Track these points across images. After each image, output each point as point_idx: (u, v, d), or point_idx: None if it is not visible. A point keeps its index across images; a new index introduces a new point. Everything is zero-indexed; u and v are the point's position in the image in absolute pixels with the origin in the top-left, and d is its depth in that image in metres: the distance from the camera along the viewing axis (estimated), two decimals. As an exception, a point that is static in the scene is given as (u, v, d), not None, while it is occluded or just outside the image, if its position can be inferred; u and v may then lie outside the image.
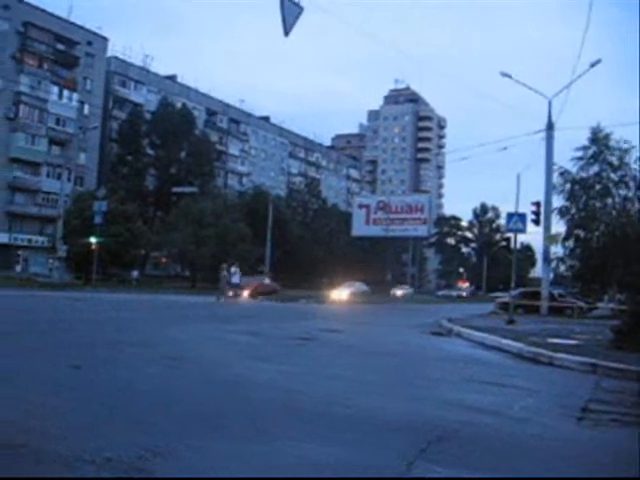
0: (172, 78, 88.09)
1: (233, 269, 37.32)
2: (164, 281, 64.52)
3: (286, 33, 14.60)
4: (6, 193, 67.40)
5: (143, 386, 6.95)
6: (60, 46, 72.33)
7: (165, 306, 26.99)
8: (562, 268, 38.61)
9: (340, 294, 50.52)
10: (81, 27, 74.05)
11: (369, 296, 57.21)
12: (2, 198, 66.93)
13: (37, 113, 69.67)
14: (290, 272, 69.33)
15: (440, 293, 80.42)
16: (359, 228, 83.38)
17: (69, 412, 5.47)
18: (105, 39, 77.60)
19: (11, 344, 10.20)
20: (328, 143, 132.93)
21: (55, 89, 71.30)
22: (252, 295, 41.45)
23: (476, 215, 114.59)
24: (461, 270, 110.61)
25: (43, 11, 70.16)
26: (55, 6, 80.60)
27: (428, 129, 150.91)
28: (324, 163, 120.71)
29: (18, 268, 47.67)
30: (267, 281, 49.37)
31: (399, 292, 72.50)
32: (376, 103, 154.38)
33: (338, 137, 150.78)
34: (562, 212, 35.91)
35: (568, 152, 36.43)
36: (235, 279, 37.27)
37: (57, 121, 71.14)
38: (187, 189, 62.41)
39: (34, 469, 3.84)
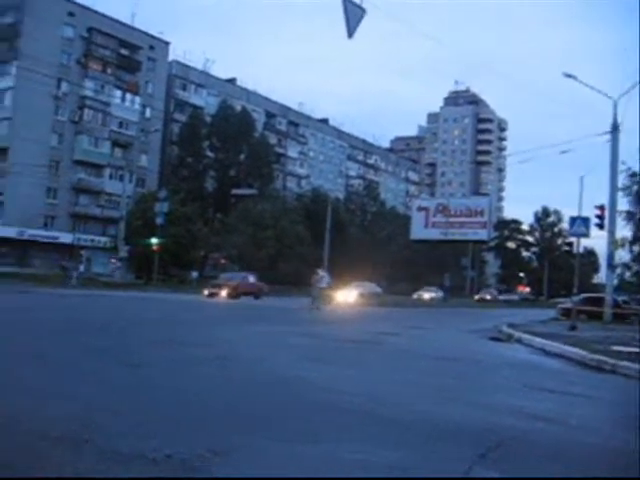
0: (232, 81, 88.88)
1: (321, 273, 35.80)
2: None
3: (349, 35, 14.46)
4: (70, 194, 69.00)
5: (200, 386, 6.98)
6: (123, 51, 73.70)
7: (234, 308, 27.16)
8: (627, 274, 37.37)
9: (347, 295, 44.35)
10: (143, 32, 75.30)
11: (381, 297, 51.78)
12: (67, 199, 68.54)
13: (101, 116, 71.09)
14: (347, 275, 68.99)
15: (477, 297, 74.51)
16: (418, 231, 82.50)
17: (129, 410, 5.52)
18: (167, 43, 78.74)
19: (74, 342, 10.29)
20: (387, 145, 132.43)
21: (118, 93, 72.70)
22: (231, 295, 36.60)
23: (537, 218, 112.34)
24: (521, 275, 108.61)
25: (107, 17, 71.64)
26: (119, 12, 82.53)
27: (488, 131, 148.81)
28: (383, 166, 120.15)
29: (81, 268, 48.47)
30: (251, 279, 41.91)
31: (426, 295, 66.09)
32: (435, 105, 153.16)
33: (397, 139, 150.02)
34: (629, 216, 34.76)
35: (635, 153, 35.27)
36: (322, 283, 35.43)
37: (120, 124, 72.49)
38: (246, 191, 62.76)
39: (97, 466, 3.85)
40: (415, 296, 64.66)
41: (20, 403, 5.41)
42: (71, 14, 68.82)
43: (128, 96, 73.52)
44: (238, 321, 19.19)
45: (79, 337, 10.98)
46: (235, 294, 36.61)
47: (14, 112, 64.63)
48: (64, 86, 68.07)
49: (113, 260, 53.98)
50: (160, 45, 77.61)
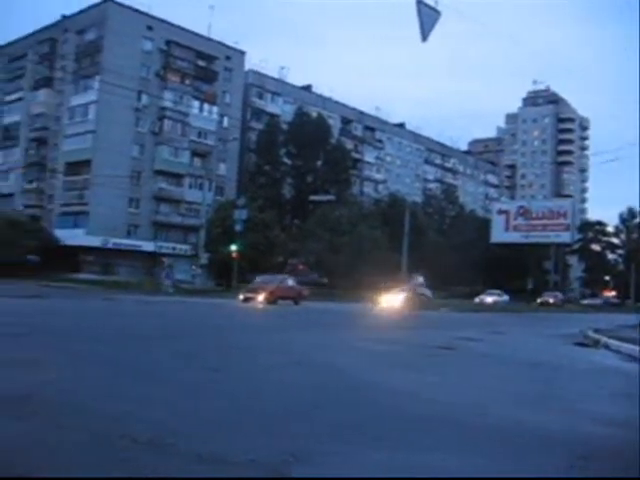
0: (307, 88, 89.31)
1: (420, 279, 34.58)
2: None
3: (424, 38, 14.15)
4: (152, 204, 70.58)
5: (279, 391, 6.95)
6: (200, 62, 75.07)
7: (315, 313, 27.11)
8: None
9: (392, 300, 39.86)
10: (220, 43, 76.46)
11: (429, 302, 46.42)
12: (148, 208, 70.14)
13: (180, 127, 72.51)
14: (426, 280, 68.17)
15: (539, 300, 66.99)
16: (498, 235, 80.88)
17: (211, 414, 5.56)
18: (242, 53, 79.76)
19: (160, 347, 10.33)
20: (465, 148, 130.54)
21: (196, 103, 74.01)
22: (268, 300, 34.08)
23: (623, 220, 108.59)
24: (606, 278, 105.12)
25: (184, 30, 73.02)
26: (195, 24, 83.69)
27: (570, 131, 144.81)
28: (461, 169, 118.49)
29: (163, 275, 49.44)
30: (290, 283, 39.26)
31: (489, 299, 61.43)
32: (514, 106, 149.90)
33: (475, 142, 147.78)
34: None
35: None
36: (419, 288, 33.91)
37: (199, 134, 73.78)
38: (324, 197, 62.84)
39: (184, 469, 3.90)
40: (477, 300, 60.84)
41: (111, 408, 5.48)
42: (150, 28, 70.57)
43: (206, 106, 74.78)
44: (305, 326, 19.09)
45: (165, 343, 11.04)
46: (272, 299, 34.30)
47: (97, 125, 66.68)
48: (144, 98, 69.78)
49: (194, 267, 54.81)
50: (236, 55, 78.67)
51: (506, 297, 64.33)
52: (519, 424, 5.56)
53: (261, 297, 34.07)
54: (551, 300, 67.61)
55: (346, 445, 4.54)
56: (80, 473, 3.74)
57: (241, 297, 34.92)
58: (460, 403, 6.50)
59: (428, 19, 14.06)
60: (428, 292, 47.26)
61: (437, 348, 12.77)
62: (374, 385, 7.49)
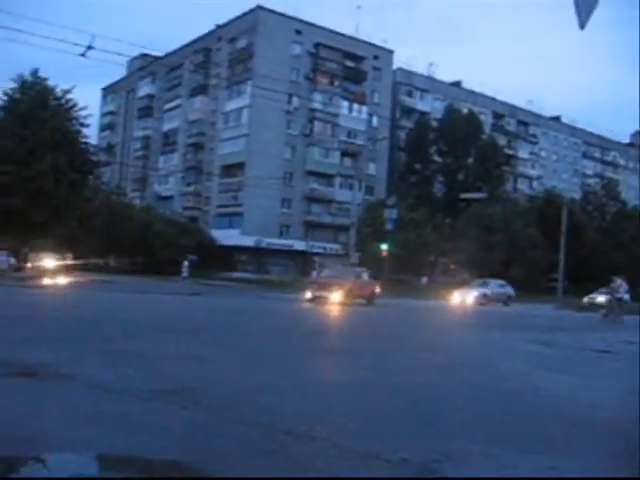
0: (457, 84, 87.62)
1: (618, 281, 28.54)
2: (452, 288, 63.95)
3: (581, 26, 13.14)
4: (303, 204, 71.72)
5: (429, 390, 6.96)
6: (349, 63, 75.42)
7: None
8: None
9: (462, 298, 39.01)
10: (368, 43, 76.46)
11: (510, 300, 42.72)
12: (300, 208, 71.34)
13: (330, 128, 73.20)
14: (585, 281, 64.86)
15: (585, 299, 49.00)
16: (667, 231, 75.59)
17: (360, 410, 5.71)
18: (390, 52, 79.35)
19: (305, 343, 10.16)
20: (626, 140, 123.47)
21: (345, 104, 74.43)
22: (347, 300, 28.17)
23: None
24: None
25: (332, 31, 73.59)
26: (343, 25, 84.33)
27: None
28: (623, 162, 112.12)
29: (314, 274, 50.01)
30: (366, 277, 32.84)
31: (600, 298, 41.42)
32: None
33: (638, 133, 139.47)
34: None
35: None
36: (620, 292, 28.40)
37: (348, 134, 74.17)
38: (476, 195, 61.31)
39: (337, 462, 4.01)
40: (585, 299, 48.59)
41: (264, 399, 5.81)
42: (298, 32, 71.76)
43: (355, 106, 75.06)
44: (443, 325, 18.67)
45: (316, 339, 10.96)
46: (350, 299, 28.56)
47: (250, 129, 68.60)
48: (295, 101, 70.96)
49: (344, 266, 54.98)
50: (384, 54, 78.41)
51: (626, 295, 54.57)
52: None
53: (336, 296, 27.60)
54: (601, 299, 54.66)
55: (494, 447, 4.47)
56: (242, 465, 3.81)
57: (308, 295, 28.44)
58: (613, 407, 6.21)
59: (585, 5, 12.98)
60: (510, 291, 44.19)
61: (600, 352, 12.05)
62: (532, 389, 7.28)
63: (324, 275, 31.66)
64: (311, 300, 27.65)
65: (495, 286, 43.67)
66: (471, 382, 7.53)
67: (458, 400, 6.38)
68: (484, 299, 39.79)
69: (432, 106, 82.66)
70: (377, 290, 31.93)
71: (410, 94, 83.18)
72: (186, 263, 50.40)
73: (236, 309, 21.49)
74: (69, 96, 43.90)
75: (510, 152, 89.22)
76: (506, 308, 38.57)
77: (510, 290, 44.43)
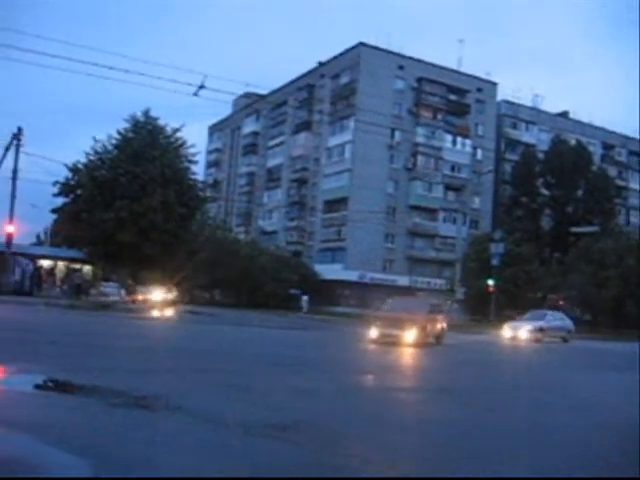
0: (564, 115, 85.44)
1: None
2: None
3: None
4: (407, 238, 71.19)
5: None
6: (452, 96, 74.94)
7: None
8: None
9: (514, 332, 34.58)
10: (471, 76, 75.80)
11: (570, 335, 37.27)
12: (403, 243, 70.84)
13: (433, 161, 72.71)
14: None
15: None
16: None
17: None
18: (494, 84, 78.38)
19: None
20: None
21: (449, 137, 73.82)
22: (421, 340, 22.22)
23: None
24: None
25: (434, 65, 73.42)
26: (445, 59, 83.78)
27: None
28: None
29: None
30: (441, 309, 28.94)
31: None
32: None
33: None
34: None
35: None
36: None
37: (452, 168, 73.43)
38: (587, 229, 59.29)
39: None
40: None
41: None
42: (401, 67, 72.01)
43: (459, 139, 74.34)
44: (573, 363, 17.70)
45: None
46: (423, 338, 22.61)
47: (353, 164, 68.97)
48: (397, 135, 71.00)
49: (449, 302, 54.09)
50: (488, 86, 77.50)
51: None
52: None
53: (410, 335, 21.66)
54: None
55: None
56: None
57: (373, 334, 22.40)
58: None
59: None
60: (569, 324, 38.72)
61: None
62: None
63: (391, 308, 24.64)
64: (377, 341, 21.96)
65: (553, 319, 37.97)
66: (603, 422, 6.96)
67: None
68: (540, 334, 34.76)
69: (538, 138, 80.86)
70: (445, 326, 26.29)
71: (515, 126, 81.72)
72: (305, 298, 50.63)
73: (341, 345, 21.30)
74: (178, 134, 45.35)
75: (621, 183, 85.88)
76: (583, 344, 34.65)
77: (569, 324, 38.99)
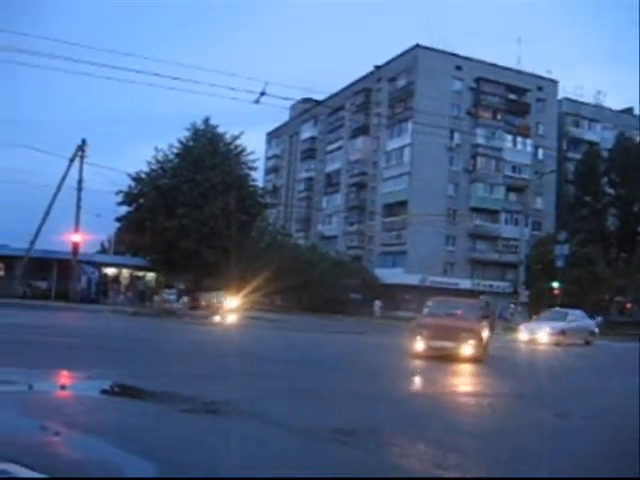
0: (628, 111, 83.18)
1: None
2: (628, 328, 59.90)
3: None
4: (468, 241, 70.34)
5: None
6: (511, 95, 73.76)
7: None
8: None
9: (531, 334, 30.61)
10: (530, 74, 74.49)
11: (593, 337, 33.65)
12: (465, 246, 70.00)
13: (493, 163, 71.69)
14: None
15: None
16: None
17: None
18: (555, 82, 76.89)
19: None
20: None
21: (509, 137, 72.67)
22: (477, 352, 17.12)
23: None
24: None
25: (493, 65, 72.46)
26: (503, 58, 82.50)
27: None
28: None
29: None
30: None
31: None
32: None
33: None
34: None
35: None
36: None
37: (513, 168, 72.27)
38: (655, 228, 57.65)
39: None
40: None
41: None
42: (458, 68, 71.24)
43: (519, 139, 73.11)
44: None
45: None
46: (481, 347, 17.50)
47: (412, 167, 68.52)
48: (457, 137, 70.29)
49: (512, 305, 53.34)
50: (548, 84, 76.09)
51: None
52: None
53: (468, 348, 16.91)
54: None
55: None
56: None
57: (419, 347, 17.39)
58: None
59: None
60: (592, 325, 34.97)
61: None
62: None
63: (435, 311, 19.30)
64: (423, 355, 17.25)
65: (575, 318, 33.09)
66: None
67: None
68: (562, 336, 30.14)
69: (601, 136, 78.99)
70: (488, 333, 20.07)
71: (577, 124, 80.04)
72: (378, 302, 50.23)
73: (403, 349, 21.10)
74: (238, 142, 45.86)
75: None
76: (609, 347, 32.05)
77: (592, 324, 35.22)
